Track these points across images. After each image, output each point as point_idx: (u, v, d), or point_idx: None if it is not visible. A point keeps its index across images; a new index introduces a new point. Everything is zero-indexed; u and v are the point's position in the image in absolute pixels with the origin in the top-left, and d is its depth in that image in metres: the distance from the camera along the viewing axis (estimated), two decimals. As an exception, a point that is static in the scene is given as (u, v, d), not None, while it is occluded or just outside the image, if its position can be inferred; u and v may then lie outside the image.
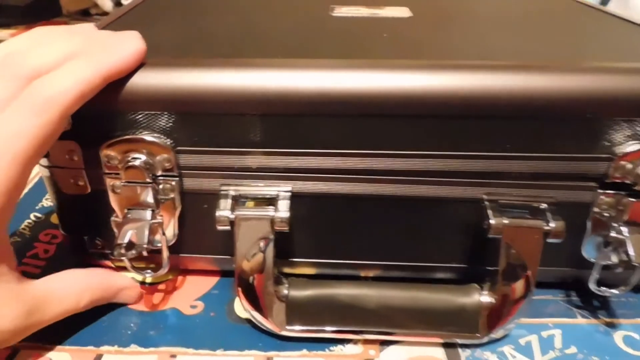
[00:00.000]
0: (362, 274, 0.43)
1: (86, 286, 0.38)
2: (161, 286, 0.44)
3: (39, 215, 0.53)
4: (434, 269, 0.42)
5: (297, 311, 0.37)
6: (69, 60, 0.32)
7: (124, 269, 0.45)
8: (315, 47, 0.42)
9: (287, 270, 0.43)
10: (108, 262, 0.44)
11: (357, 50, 0.41)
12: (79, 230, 0.42)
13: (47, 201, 0.56)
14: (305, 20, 0.50)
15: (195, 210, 0.40)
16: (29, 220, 0.52)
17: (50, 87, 0.31)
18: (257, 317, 0.38)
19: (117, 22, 0.48)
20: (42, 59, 0.32)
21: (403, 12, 0.52)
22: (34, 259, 0.47)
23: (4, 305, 0.32)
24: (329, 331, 0.37)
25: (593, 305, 0.43)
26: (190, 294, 0.43)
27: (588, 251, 0.40)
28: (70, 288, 0.37)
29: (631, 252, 0.36)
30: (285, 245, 0.41)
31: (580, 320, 0.42)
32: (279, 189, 0.38)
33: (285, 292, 0.38)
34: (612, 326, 0.41)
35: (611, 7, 1.09)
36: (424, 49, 0.42)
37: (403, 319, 0.37)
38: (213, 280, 0.45)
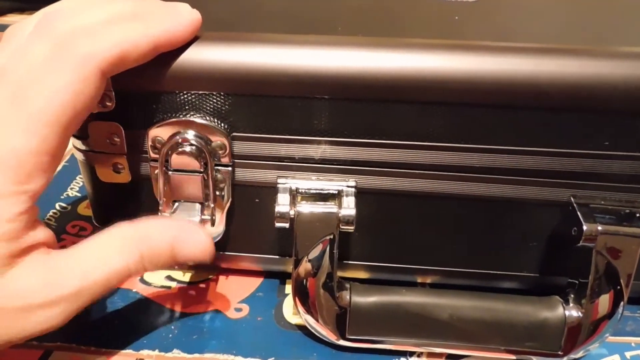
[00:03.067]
0: (420, 280, 0.39)
1: (136, 236, 0.30)
2: (201, 286, 0.40)
3: (64, 205, 0.50)
4: (502, 278, 0.38)
5: (359, 319, 0.34)
6: (116, 22, 0.28)
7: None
8: (390, 25, 0.38)
9: (340, 273, 0.39)
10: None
11: (437, 30, 0.37)
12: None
13: (72, 190, 0.53)
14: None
15: (246, 205, 0.36)
16: (54, 210, 0.49)
17: (91, 43, 0.27)
18: (314, 324, 0.34)
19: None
20: (84, 19, 0.28)
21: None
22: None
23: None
24: (393, 342, 0.34)
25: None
26: (233, 296, 0.40)
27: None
28: (111, 242, 0.30)
29: None
30: (341, 246, 0.37)
31: (664, 340, 0.38)
32: (343, 184, 0.34)
33: (347, 297, 0.34)
34: (702, 348, 0.37)
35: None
36: (511, 32, 0.37)
37: (478, 332, 0.33)
38: (256, 281, 0.41)
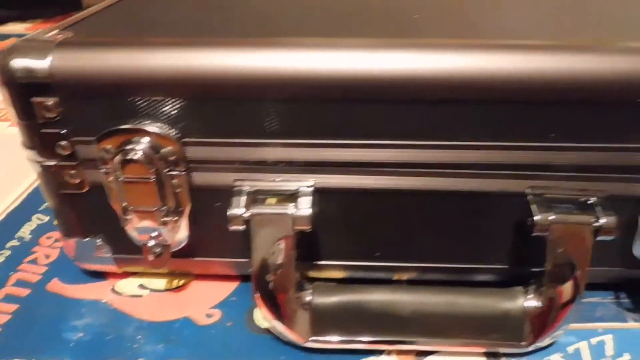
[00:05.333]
0: (396, 277, 0.39)
1: None
2: (173, 293, 0.40)
3: (42, 217, 0.50)
4: (474, 271, 0.38)
5: (323, 320, 0.34)
6: None
7: (132, 274, 0.41)
8: (344, 26, 0.37)
9: (313, 274, 0.39)
10: (114, 268, 0.40)
11: (391, 29, 0.37)
12: (79, 233, 0.38)
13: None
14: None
15: (208, 209, 0.36)
16: (30, 222, 0.49)
17: None
18: (278, 327, 0.34)
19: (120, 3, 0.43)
20: None
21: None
22: (33, 265, 0.43)
23: None
24: (359, 342, 0.33)
25: (645, 307, 0.39)
26: (206, 302, 0.40)
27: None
28: None
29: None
30: (310, 246, 0.37)
31: (633, 325, 0.37)
32: (299, 184, 0.34)
33: (309, 298, 0.34)
34: (669, 330, 0.36)
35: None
36: (462, 29, 0.37)
37: (442, 327, 0.33)
38: (232, 286, 0.41)
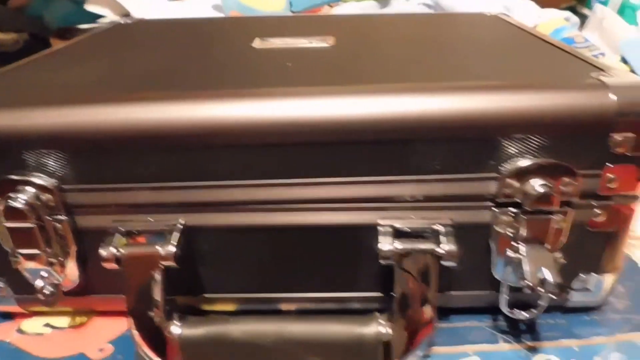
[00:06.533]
0: (283, 307, 0.42)
1: None
2: (74, 330, 0.43)
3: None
4: (352, 300, 0.41)
5: (191, 351, 0.36)
6: None
7: (39, 313, 0.44)
8: (212, 79, 0.41)
9: (206, 307, 0.41)
10: (17, 308, 0.43)
11: (257, 80, 0.41)
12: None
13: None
14: (215, 54, 0.50)
15: (94, 249, 0.38)
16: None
17: None
18: (154, 358, 0.36)
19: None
20: None
21: (326, 41, 0.52)
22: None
23: None
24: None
25: (519, 329, 0.41)
26: (102, 337, 0.42)
27: (498, 272, 0.38)
28: None
29: (526, 270, 0.35)
30: (196, 280, 0.40)
31: (503, 346, 0.40)
32: (170, 223, 0.37)
33: (178, 331, 0.36)
34: (534, 350, 0.39)
35: (587, 29, 1.09)
36: (321, 77, 0.41)
37: (299, 353, 0.35)
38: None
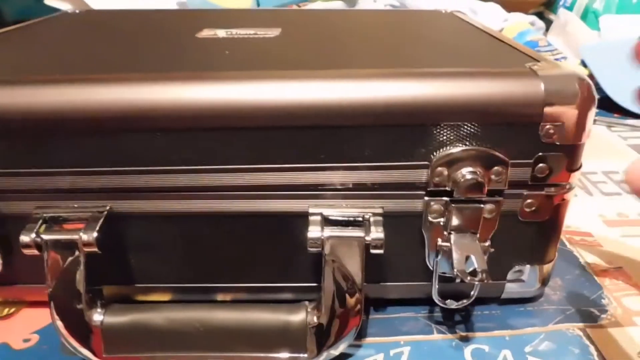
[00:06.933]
0: (220, 298, 0.41)
1: None
2: (4, 320, 0.42)
3: None
4: (283, 290, 0.40)
5: (113, 339, 0.35)
6: None
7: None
8: (139, 64, 0.40)
9: (142, 297, 0.40)
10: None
11: (187, 65, 0.40)
12: None
13: None
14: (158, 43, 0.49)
15: (17, 236, 0.37)
16: None
17: None
18: (76, 346, 0.35)
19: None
20: None
21: (272, 32, 0.52)
22: None
23: None
24: (148, 358, 0.35)
25: (454, 320, 0.41)
26: (28, 327, 0.41)
27: (431, 261, 0.38)
28: None
29: (456, 258, 0.34)
30: (125, 269, 0.39)
31: (435, 337, 0.39)
32: (93, 209, 0.36)
33: (100, 318, 0.35)
34: (466, 340, 0.39)
35: (552, 33, 1.10)
36: (255, 63, 0.41)
37: (225, 341, 0.35)
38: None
